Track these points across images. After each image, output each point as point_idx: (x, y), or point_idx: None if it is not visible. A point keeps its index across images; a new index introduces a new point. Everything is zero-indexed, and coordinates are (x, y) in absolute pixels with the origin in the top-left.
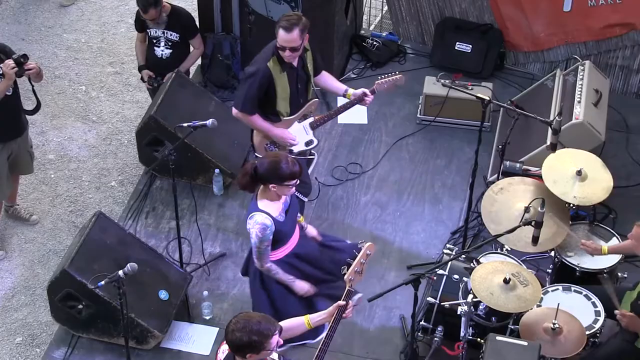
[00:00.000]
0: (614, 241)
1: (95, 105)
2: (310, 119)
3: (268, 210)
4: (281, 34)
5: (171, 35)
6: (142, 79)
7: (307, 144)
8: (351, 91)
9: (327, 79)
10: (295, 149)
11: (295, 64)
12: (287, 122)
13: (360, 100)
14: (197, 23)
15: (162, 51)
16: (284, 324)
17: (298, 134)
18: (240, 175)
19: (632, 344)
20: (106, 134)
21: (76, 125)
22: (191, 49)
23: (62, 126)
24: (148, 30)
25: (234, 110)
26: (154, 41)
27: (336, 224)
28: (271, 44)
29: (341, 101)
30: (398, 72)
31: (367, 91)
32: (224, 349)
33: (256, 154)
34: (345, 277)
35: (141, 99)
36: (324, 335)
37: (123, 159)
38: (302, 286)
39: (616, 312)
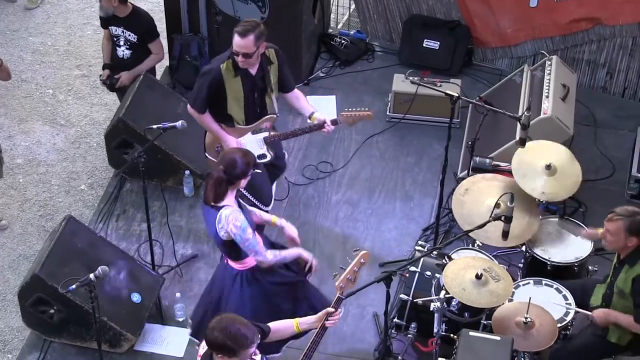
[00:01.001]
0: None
1: (63, 109)
2: (265, 134)
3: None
4: (235, 38)
5: (129, 35)
6: (102, 79)
7: (260, 157)
8: (316, 115)
9: (298, 98)
10: None
11: (253, 72)
12: (241, 130)
13: (320, 127)
14: (165, 24)
15: (122, 52)
16: (273, 325)
17: (250, 145)
18: (214, 187)
19: (603, 337)
20: (75, 137)
21: (44, 129)
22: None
23: (30, 130)
24: (110, 27)
25: (188, 106)
26: (115, 40)
27: (308, 223)
28: (228, 51)
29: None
30: (368, 109)
31: (329, 120)
32: (204, 344)
33: (206, 153)
34: (337, 283)
35: (109, 101)
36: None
37: (92, 162)
38: (307, 255)
39: (589, 314)
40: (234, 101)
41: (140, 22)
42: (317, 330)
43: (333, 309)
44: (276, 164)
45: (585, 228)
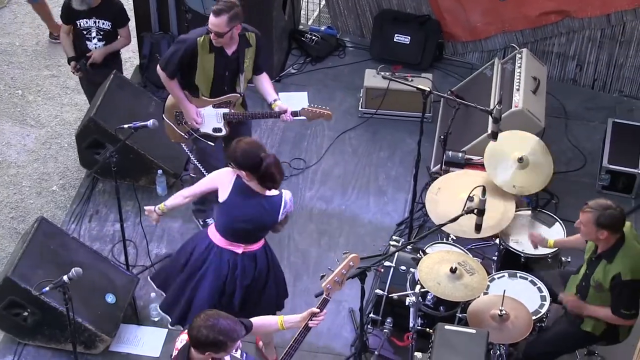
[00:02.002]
0: (557, 227)
1: (32, 109)
2: (226, 110)
3: None
4: (210, 17)
5: (103, 24)
6: (73, 71)
7: (215, 130)
8: (278, 102)
9: (263, 82)
10: (202, 129)
11: (229, 52)
12: (203, 101)
13: (278, 115)
14: (134, 23)
15: (95, 44)
16: (256, 320)
17: (208, 117)
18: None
19: (577, 327)
20: (45, 138)
21: (14, 130)
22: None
23: (0, 131)
24: (77, 22)
25: (158, 68)
26: (85, 33)
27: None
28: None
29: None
30: (328, 108)
31: (289, 110)
32: (183, 338)
33: (164, 116)
34: (323, 285)
35: (80, 101)
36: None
37: (64, 162)
38: None
39: (560, 295)
40: (202, 75)
41: (112, 8)
42: (299, 329)
43: (318, 310)
44: None
45: (535, 234)
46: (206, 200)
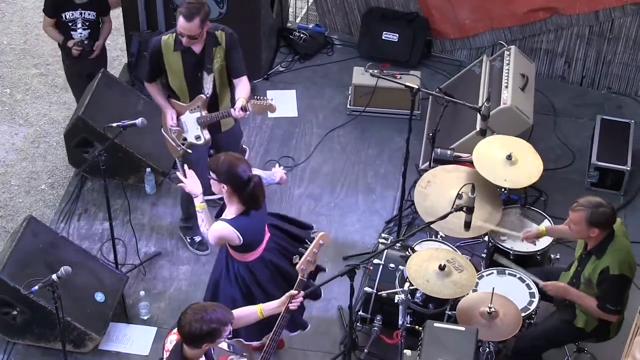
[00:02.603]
0: (546, 224)
1: (21, 108)
2: (198, 114)
3: None
4: (180, 21)
5: (89, 14)
6: (73, 51)
7: (196, 138)
8: (239, 101)
9: (238, 84)
10: (188, 138)
11: (196, 50)
12: (180, 107)
13: (230, 113)
14: (122, 21)
15: (80, 34)
16: (236, 312)
17: (189, 124)
18: None
19: (569, 323)
20: (34, 137)
21: (2, 129)
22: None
23: None
24: (63, 14)
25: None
26: (70, 25)
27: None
28: None
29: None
30: (272, 99)
31: (238, 106)
32: (172, 339)
33: (162, 130)
34: (297, 266)
35: (68, 100)
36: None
37: (52, 161)
38: None
39: (541, 284)
40: (173, 75)
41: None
42: (281, 314)
43: (296, 292)
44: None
45: (522, 232)
46: (192, 217)
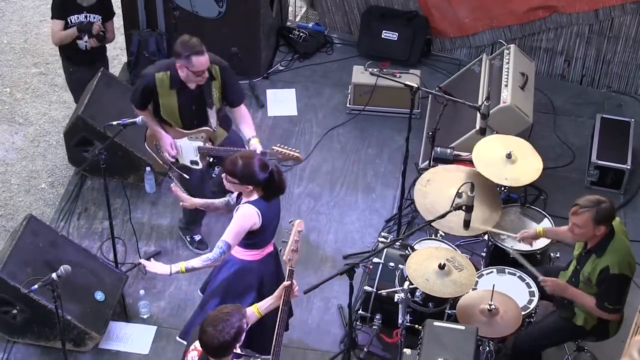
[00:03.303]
0: (546, 222)
1: (21, 107)
2: (200, 143)
3: None
4: (199, 59)
5: (94, 18)
6: (91, 43)
7: (192, 162)
8: (253, 142)
9: (242, 117)
10: (180, 160)
11: (191, 86)
12: (178, 133)
13: None
14: (122, 20)
15: (85, 42)
16: None
17: (186, 149)
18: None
19: (569, 321)
20: (34, 136)
21: (2, 128)
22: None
23: None
24: (70, 18)
25: (130, 97)
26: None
27: None
28: (171, 60)
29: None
30: (298, 151)
31: (258, 151)
32: (192, 355)
33: (145, 144)
34: (284, 257)
35: (68, 99)
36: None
37: (52, 160)
38: None
39: (540, 278)
40: (167, 110)
41: (103, 2)
42: (280, 308)
43: (289, 282)
44: None
45: (524, 234)
46: (193, 222)
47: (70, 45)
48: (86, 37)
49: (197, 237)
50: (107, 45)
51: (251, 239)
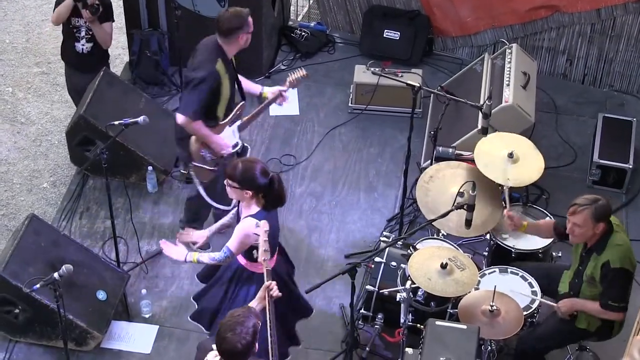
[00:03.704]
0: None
1: (23, 107)
2: (239, 122)
3: None
4: (250, 19)
5: None
6: (83, 10)
7: (234, 146)
8: (266, 90)
9: (243, 81)
10: (227, 153)
11: (230, 56)
12: (221, 127)
13: (277, 98)
14: (124, 20)
15: (82, 45)
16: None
17: (229, 138)
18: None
19: (571, 324)
20: (36, 135)
21: (4, 128)
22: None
23: None
24: (72, 19)
25: (180, 118)
26: (75, 31)
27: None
28: (210, 43)
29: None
30: (303, 69)
31: (283, 88)
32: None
33: (194, 163)
34: (259, 259)
35: (70, 98)
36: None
37: (54, 159)
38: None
39: (554, 306)
40: (224, 99)
41: (104, 3)
42: (267, 311)
43: (269, 282)
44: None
45: (511, 214)
46: (196, 220)
47: (68, 48)
48: (84, 41)
49: None
50: (107, 49)
51: (249, 256)
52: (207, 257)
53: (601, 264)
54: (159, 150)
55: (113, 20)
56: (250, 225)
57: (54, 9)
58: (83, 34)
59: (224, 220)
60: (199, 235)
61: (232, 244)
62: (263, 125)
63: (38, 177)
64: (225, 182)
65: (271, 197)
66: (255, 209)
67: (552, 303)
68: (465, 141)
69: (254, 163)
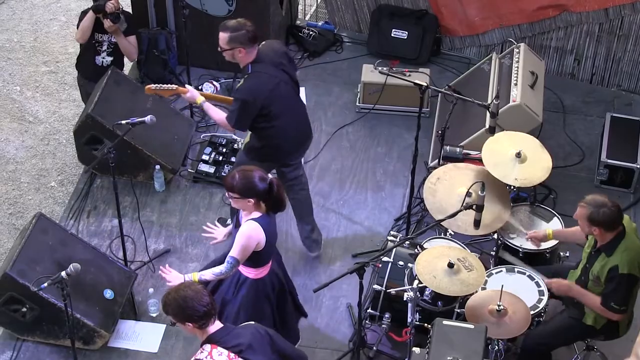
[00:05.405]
0: (555, 221)
1: (31, 106)
2: None
3: None
4: None
5: (115, 38)
6: (104, 16)
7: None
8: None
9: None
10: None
11: None
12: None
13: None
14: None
15: (102, 59)
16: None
17: None
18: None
19: (579, 321)
20: (44, 134)
21: (12, 126)
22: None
23: None
24: (95, 34)
25: None
26: (97, 46)
27: (280, 216)
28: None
29: None
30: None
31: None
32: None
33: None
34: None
35: (78, 97)
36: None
37: (62, 158)
38: None
39: (545, 281)
40: None
41: (126, 18)
42: None
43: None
44: None
45: (533, 234)
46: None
47: (87, 60)
48: (105, 54)
49: (230, 221)
50: (124, 61)
51: (256, 257)
52: (209, 274)
53: (609, 267)
54: (167, 149)
55: (137, 34)
56: (250, 228)
57: (77, 26)
58: (105, 47)
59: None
60: (221, 232)
61: (235, 251)
62: None
63: (46, 175)
64: (226, 195)
65: (272, 201)
66: (256, 214)
67: (542, 277)
68: (473, 140)
69: (251, 171)
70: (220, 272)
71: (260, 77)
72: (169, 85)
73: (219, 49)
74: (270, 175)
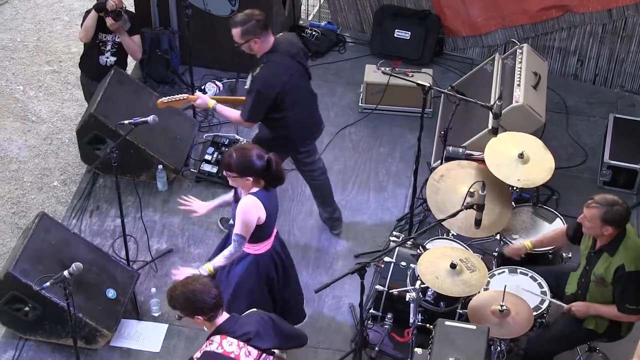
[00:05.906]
0: (558, 222)
1: (34, 105)
2: None
3: None
4: None
5: (118, 38)
6: (106, 14)
7: None
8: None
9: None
10: None
11: None
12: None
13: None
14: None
15: (106, 59)
16: None
17: None
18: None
19: (580, 325)
20: (46, 134)
21: (15, 126)
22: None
23: (1, 127)
24: (99, 34)
25: None
26: (101, 45)
27: (282, 215)
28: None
29: None
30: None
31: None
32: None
33: None
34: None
35: (80, 97)
36: None
37: (65, 158)
38: None
39: (565, 307)
40: None
41: (129, 18)
42: None
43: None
44: None
45: (510, 244)
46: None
47: (90, 60)
48: (108, 54)
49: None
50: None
51: (258, 231)
52: (221, 259)
53: (615, 267)
54: (169, 149)
55: (141, 33)
56: (248, 203)
57: (81, 25)
58: (109, 47)
59: (226, 197)
60: (200, 206)
61: (238, 228)
62: None
63: (48, 175)
64: (223, 173)
65: (270, 178)
66: (255, 189)
67: (562, 304)
68: (476, 141)
69: (248, 149)
70: (230, 253)
71: (275, 66)
72: (179, 95)
73: (235, 44)
74: (266, 154)
